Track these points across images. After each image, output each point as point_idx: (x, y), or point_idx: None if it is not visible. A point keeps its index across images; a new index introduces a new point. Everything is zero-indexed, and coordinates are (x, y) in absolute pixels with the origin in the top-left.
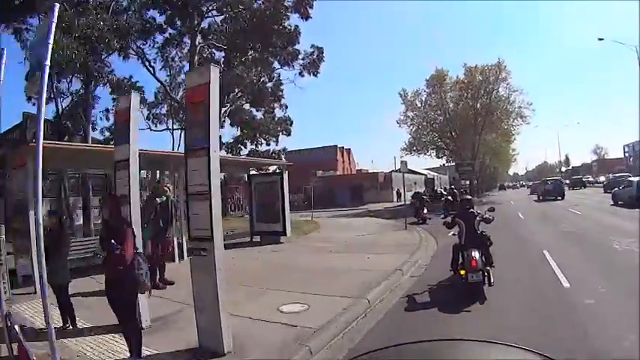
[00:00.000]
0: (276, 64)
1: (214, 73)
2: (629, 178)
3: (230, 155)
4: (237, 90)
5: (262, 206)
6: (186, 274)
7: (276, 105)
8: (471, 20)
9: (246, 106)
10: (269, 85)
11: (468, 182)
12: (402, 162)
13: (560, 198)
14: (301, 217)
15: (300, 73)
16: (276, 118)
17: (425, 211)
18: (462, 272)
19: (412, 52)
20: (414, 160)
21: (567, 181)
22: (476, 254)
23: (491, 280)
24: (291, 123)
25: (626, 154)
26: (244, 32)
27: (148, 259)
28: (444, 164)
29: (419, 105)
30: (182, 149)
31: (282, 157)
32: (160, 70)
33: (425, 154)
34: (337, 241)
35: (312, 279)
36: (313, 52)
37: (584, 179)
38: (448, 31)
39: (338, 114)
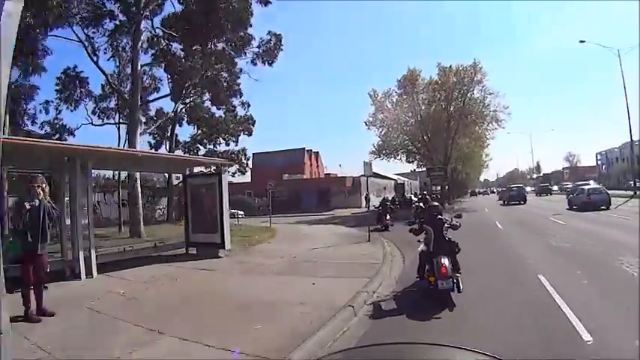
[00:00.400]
0: (229, 53)
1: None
2: (581, 186)
3: (152, 152)
4: (189, 82)
5: (198, 213)
6: (81, 298)
7: (236, 102)
8: (446, 19)
9: (208, 104)
10: (226, 76)
11: (439, 188)
12: (365, 164)
13: (522, 202)
14: (262, 223)
15: (252, 61)
16: (238, 117)
17: (387, 217)
18: (432, 279)
19: (386, 52)
20: (384, 165)
21: (533, 188)
22: (445, 261)
23: (461, 287)
24: (254, 122)
25: (599, 162)
26: (192, 14)
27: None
28: (414, 170)
29: (389, 106)
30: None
31: (243, 158)
32: (109, 59)
33: (395, 158)
34: (285, 257)
35: (223, 320)
36: (270, 39)
37: (549, 187)
38: (424, 31)
39: (308, 116)
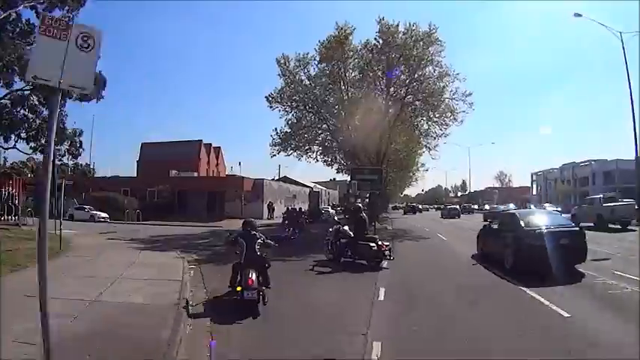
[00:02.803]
0: None
1: None
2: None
3: None
4: None
5: None
6: None
7: None
8: None
9: None
10: None
11: (367, 197)
12: None
13: (457, 217)
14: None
15: None
16: None
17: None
18: (239, 289)
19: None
20: (299, 170)
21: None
22: (253, 274)
23: (266, 300)
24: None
25: (534, 183)
26: None
27: None
28: (334, 178)
29: (304, 79)
30: None
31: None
32: None
33: (307, 154)
34: None
35: None
36: None
37: (472, 207)
38: None
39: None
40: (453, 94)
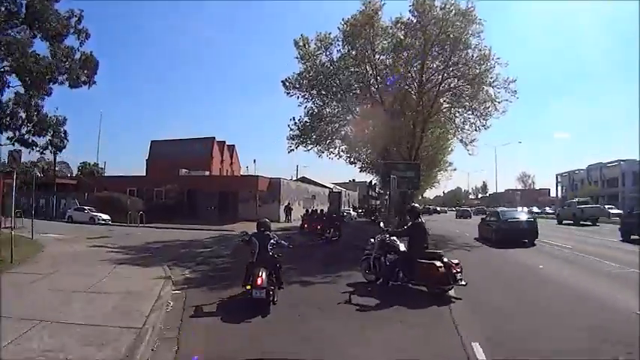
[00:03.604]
0: None
1: None
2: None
3: None
4: None
5: None
6: None
7: None
8: None
9: None
10: None
11: (386, 197)
12: None
13: (469, 218)
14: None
15: None
16: None
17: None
18: (248, 287)
19: None
20: (316, 170)
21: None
22: (263, 274)
23: (275, 299)
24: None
25: (559, 184)
26: None
27: None
28: (353, 179)
29: (326, 61)
30: None
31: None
32: None
33: (329, 149)
34: None
35: None
36: None
37: (485, 209)
38: None
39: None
40: (494, 81)
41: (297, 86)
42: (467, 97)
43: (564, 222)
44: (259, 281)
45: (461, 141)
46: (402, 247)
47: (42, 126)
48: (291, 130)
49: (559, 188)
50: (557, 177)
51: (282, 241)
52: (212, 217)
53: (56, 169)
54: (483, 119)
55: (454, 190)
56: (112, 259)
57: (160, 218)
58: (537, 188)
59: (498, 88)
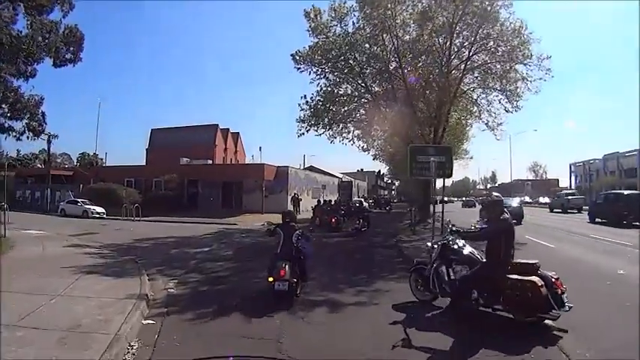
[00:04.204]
0: None
1: None
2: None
3: None
4: None
5: None
6: None
7: None
8: None
9: None
10: None
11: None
12: None
13: (474, 207)
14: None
15: None
16: None
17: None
18: (270, 279)
19: None
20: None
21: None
22: (286, 266)
23: (298, 292)
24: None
25: (573, 174)
26: None
27: None
28: (361, 169)
29: (341, 33)
30: None
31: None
32: None
33: (342, 135)
34: None
35: None
36: None
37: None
38: None
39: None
40: (526, 58)
41: (309, 60)
42: (496, 76)
43: (554, 210)
44: (282, 273)
45: (486, 125)
46: (467, 251)
47: (16, 107)
48: (302, 109)
49: (572, 178)
50: (570, 167)
51: (308, 233)
52: (214, 209)
53: (58, 160)
54: (514, 100)
55: (462, 180)
56: (82, 266)
57: (158, 211)
58: (547, 178)
59: (531, 65)
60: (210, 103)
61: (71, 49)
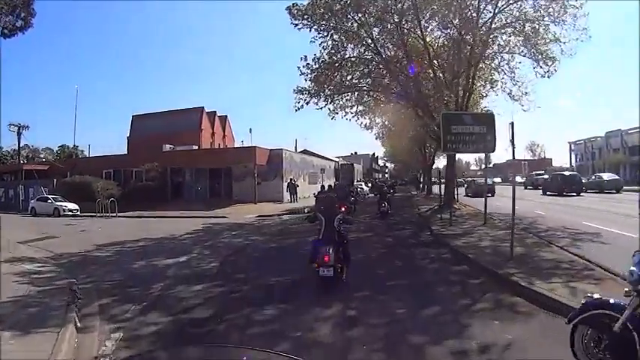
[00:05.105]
0: None
1: None
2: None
3: None
4: None
5: None
6: None
7: None
8: None
9: None
10: None
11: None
12: None
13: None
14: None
15: None
16: None
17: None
18: (316, 265)
19: None
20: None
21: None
22: (330, 250)
23: (344, 276)
24: None
25: (573, 152)
26: None
27: None
28: (355, 152)
29: None
30: None
31: None
32: None
33: (343, 109)
34: None
35: None
36: None
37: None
38: None
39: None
40: (559, 16)
41: (308, 15)
42: (526, 37)
43: (527, 187)
44: (326, 259)
45: (510, 95)
46: None
47: None
48: (302, 73)
49: (572, 157)
50: (570, 145)
51: (349, 217)
52: (201, 199)
53: (41, 155)
54: (547, 63)
55: (456, 160)
56: None
57: (138, 204)
58: (543, 158)
59: (565, 25)
60: (195, 86)
61: (22, 14)
